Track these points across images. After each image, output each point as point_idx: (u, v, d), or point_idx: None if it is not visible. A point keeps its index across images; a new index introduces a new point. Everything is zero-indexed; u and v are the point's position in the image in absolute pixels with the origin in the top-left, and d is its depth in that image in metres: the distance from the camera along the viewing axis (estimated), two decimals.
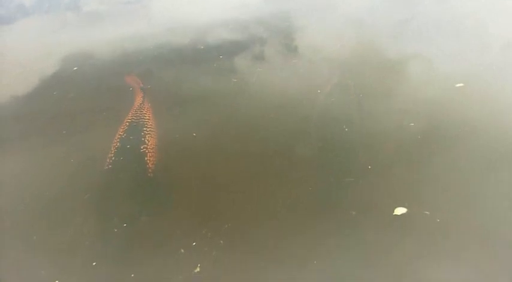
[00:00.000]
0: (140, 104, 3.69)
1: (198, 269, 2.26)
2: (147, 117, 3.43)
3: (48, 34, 5.49)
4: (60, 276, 2.28)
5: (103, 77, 4.40)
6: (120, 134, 3.20)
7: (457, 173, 2.81)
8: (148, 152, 3.06)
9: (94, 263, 2.33)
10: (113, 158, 2.98)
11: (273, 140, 3.29)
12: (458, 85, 3.81)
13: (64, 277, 2.28)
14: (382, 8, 6.16)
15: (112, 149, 3.05)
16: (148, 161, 2.98)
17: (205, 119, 3.66)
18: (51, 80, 4.32)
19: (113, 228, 2.51)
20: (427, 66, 4.22)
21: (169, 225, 2.56)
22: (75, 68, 4.58)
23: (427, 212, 2.48)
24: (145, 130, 3.26)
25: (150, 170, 2.92)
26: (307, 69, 4.37)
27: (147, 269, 2.31)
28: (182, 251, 2.36)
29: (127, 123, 3.33)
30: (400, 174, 2.84)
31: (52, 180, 3.03)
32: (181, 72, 4.48)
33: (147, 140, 3.16)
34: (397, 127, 3.28)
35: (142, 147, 3.07)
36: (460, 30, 5.20)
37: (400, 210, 2.52)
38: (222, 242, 2.41)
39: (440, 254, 2.25)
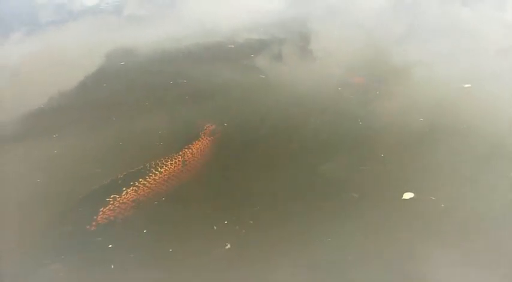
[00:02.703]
0: (184, 161, 3.02)
1: (228, 246, 2.41)
2: (169, 171, 2.87)
3: (95, 34, 5.87)
4: (114, 242, 2.46)
5: (146, 72, 4.65)
6: (120, 175, 2.81)
7: (462, 163, 3.02)
8: (111, 204, 2.59)
9: (145, 231, 2.54)
10: (82, 197, 2.69)
11: (297, 131, 3.48)
12: (466, 85, 3.98)
13: (116, 244, 2.46)
14: (394, 13, 6.38)
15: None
16: (100, 213, 2.54)
17: (236, 110, 3.83)
18: (101, 74, 4.61)
19: (154, 201, 2.69)
20: (438, 67, 4.38)
21: (204, 204, 2.76)
22: (122, 63, 4.87)
23: (433, 198, 2.67)
24: (141, 182, 2.73)
25: (94, 223, 2.51)
26: (329, 68, 4.55)
27: (184, 244, 2.47)
28: (215, 227, 2.54)
29: (147, 165, 2.89)
30: (409, 163, 3.06)
31: (103, 159, 3.23)
32: (214, 68, 4.71)
33: (127, 192, 2.66)
34: (408, 121, 3.47)
35: (111, 197, 2.62)
36: (468, 34, 5.35)
37: (408, 195, 2.70)
38: (251, 222, 2.58)
39: (443, 236, 2.45)
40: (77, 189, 2.83)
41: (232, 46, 5.33)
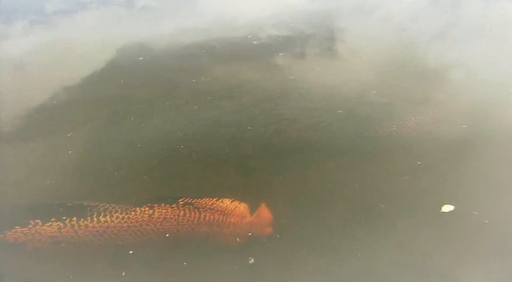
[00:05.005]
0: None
1: (252, 260, 2.34)
2: (108, 224, 2.43)
3: (108, 26, 5.75)
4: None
5: (166, 68, 4.55)
6: (71, 203, 2.61)
7: (508, 175, 2.84)
8: (28, 228, 2.40)
9: (167, 235, 2.43)
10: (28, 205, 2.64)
11: (325, 136, 3.34)
12: None
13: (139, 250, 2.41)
14: (431, 9, 6.14)
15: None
16: (13, 231, 2.40)
17: (262, 111, 3.66)
18: (117, 69, 4.53)
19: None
20: (480, 70, 4.19)
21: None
22: (140, 58, 4.76)
23: (475, 212, 2.51)
24: (73, 220, 2.43)
25: (1, 236, 2.40)
26: (362, 71, 4.38)
27: (203, 257, 2.38)
28: (238, 239, 2.47)
29: (101, 206, 2.53)
30: (450, 173, 2.89)
31: (122, 157, 3.19)
32: (238, 66, 4.59)
33: (52, 224, 2.42)
34: (450, 128, 3.30)
35: (35, 221, 2.44)
36: None
37: (447, 208, 2.57)
38: (278, 236, 2.48)
39: (485, 255, 2.30)
40: (83, 193, 2.81)
41: (256, 42, 5.17)
